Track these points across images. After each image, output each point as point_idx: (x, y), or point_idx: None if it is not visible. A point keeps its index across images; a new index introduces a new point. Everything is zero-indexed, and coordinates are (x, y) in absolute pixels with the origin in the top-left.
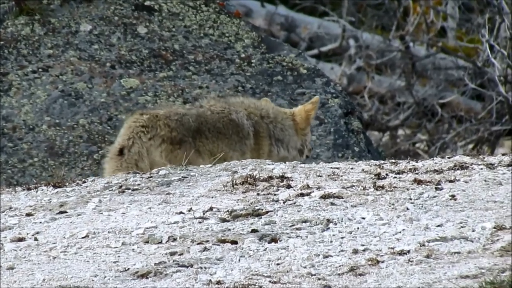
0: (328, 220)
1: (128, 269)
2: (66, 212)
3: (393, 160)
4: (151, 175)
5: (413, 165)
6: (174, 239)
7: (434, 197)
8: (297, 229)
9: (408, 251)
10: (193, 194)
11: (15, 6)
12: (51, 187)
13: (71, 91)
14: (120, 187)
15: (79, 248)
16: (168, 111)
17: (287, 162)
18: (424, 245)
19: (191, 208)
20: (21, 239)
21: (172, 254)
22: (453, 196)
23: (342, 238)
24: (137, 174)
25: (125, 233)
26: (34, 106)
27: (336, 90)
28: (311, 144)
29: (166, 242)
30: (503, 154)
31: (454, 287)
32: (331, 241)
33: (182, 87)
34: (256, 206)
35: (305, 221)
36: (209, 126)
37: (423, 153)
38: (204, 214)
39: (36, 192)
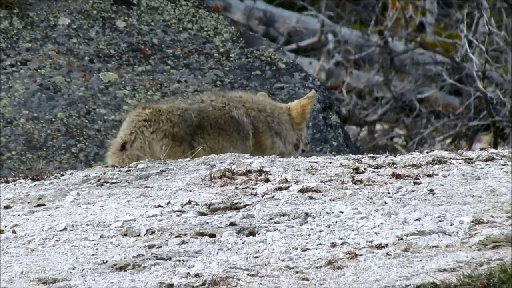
0: (306, 214)
1: (107, 261)
2: (44, 205)
3: (372, 155)
4: (130, 168)
5: (392, 160)
6: (153, 232)
7: (413, 191)
8: (275, 222)
9: (386, 245)
10: (171, 187)
11: None
12: (30, 180)
13: (49, 85)
14: (99, 180)
15: (57, 240)
16: (171, 106)
17: (265, 156)
18: (402, 239)
19: (169, 202)
20: None
21: (150, 247)
22: (431, 190)
23: (320, 231)
24: (115, 168)
25: (104, 226)
26: (12, 99)
27: (314, 84)
28: (307, 138)
29: (144, 235)
30: (481, 149)
31: (432, 280)
32: (309, 235)
33: (160, 81)
34: (234, 199)
35: (283, 215)
36: (211, 122)
37: (401, 148)
38: (182, 207)
39: (15, 185)
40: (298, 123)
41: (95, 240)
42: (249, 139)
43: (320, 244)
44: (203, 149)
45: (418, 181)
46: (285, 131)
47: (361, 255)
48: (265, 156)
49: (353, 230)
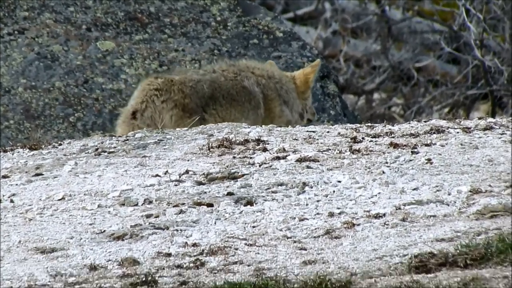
0: (304, 183)
1: (104, 231)
2: (42, 174)
3: (369, 124)
4: (127, 138)
5: (389, 129)
6: (150, 202)
7: (410, 160)
8: (273, 192)
9: (384, 215)
10: (169, 157)
11: None
12: (27, 150)
13: (47, 54)
14: (96, 149)
15: (55, 210)
16: (183, 77)
17: (263, 126)
18: (400, 209)
19: (167, 171)
20: None
21: (148, 216)
22: (429, 159)
23: (318, 201)
24: (113, 137)
25: (101, 196)
26: (10, 68)
27: (312, 53)
28: (313, 108)
29: (142, 205)
30: (479, 118)
31: (429, 250)
32: (306, 204)
33: (157, 50)
34: (232, 169)
35: (281, 184)
36: (223, 92)
37: (399, 117)
38: (180, 177)
39: (12, 154)
40: (302, 92)
41: (92, 209)
42: (261, 108)
43: (317, 213)
44: (214, 120)
45: (416, 150)
46: (292, 100)
47: (358, 224)
48: (262, 126)
49: (350, 200)
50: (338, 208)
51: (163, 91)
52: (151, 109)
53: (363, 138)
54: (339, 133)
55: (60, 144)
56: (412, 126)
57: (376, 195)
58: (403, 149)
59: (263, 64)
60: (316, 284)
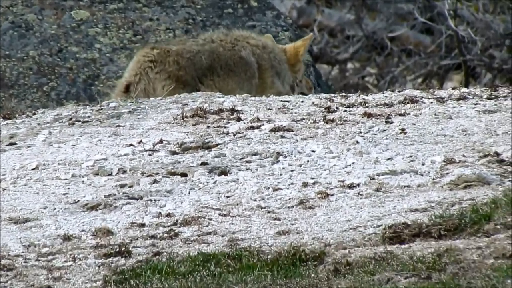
0: (278, 153)
1: (78, 201)
2: (16, 143)
3: (343, 94)
4: (101, 107)
5: (363, 99)
6: (124, 171)
7: (384, 130)
8: (247, 162)
9: (358, 185)
10: (143, 126)
11: None
12: (1, 119)
13: (21, 23)
14: (70, 119)
15: (28, 180)
16: (181, 47)
17: (237, 95)
18: (373, 179)
19: (141, 141)
20: None
21: (122, 186)
22: (403, 129)
23: (292, 171)
24: (87, 106)
25: (75, 165)
26: None
27: (286, 23)
28: (311, 82)
29: (116, 174)
30: (453, 88)
31: (403, 220)
32: (281, 174)
33: (132, 19)
34: (206, 138)
35: (255, 154)
36: (222, 63)
37: (373, 87)
38: (154, 146)
39: None
40: (292, 65)
41: (66, 179)
42: (255, 78)
43: (291, 183)
44: (210, 91)
45: (390, 120)
46: (284, 71)
47: (332, 194)
48: (237, 95)
49: (324, 170)
50: (312, 178)
51: (157, 63)
52: (144, 81)
53: (337, 108)
54: (313, 103)
55: (34, 114)
56: (386, 96)
57: (350, 165)
58: (377, 119)
59: (258, 34)
60: (290, 255)
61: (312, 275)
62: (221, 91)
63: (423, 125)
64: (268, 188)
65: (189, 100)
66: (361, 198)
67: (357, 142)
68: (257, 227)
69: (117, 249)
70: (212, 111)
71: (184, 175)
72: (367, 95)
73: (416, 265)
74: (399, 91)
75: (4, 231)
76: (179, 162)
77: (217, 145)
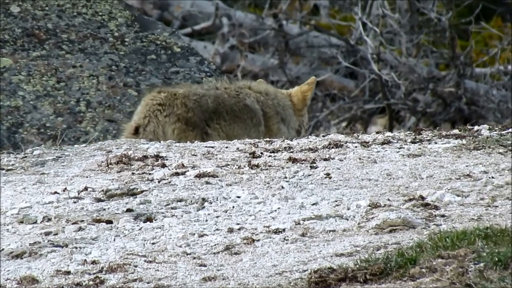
0: (203, 199)
1: (3, 249)
2: None
3: (268, 139)
4: (26, 155)
5: (288, 144)
6: (49, 219)
7: (309, 175)
8: (172, 208)
9: (284, 230)
10: (67, 174)
11: None
12: None
13: None
14: None
15: None
16: (187, 90)
17: (161, 141)
18: (299, 224)
19: (65, 188)
20: None
21: (47, 234)
22: (328, 174)
23: (217, 217)
24: (11, 154)
25: None
26: None
27: (210, 68)
28: (307, 124)
29: (41, 222)
30: (377, 132)
31: (329, 265)
32: (206, 220)
33: (55, 66)
34: (131, 185)
35: (180, 200)
36: (227, 108)
37: None
38: (79, 194)
39: None
40: (299, 110)
41: None
42: (261, 125)
43: (217, 229)
44: (218, 135)
45: (314, 165)
46: (289, 117)
47: (258, 240)
48: (161, 141)
49: (250, 215)
50: (238, 224)
51: (166, 106)
52: (153, 123)
53: (261, 153)
54: (237, 148)
55: None
56: (310, 141)
57: (275, 210)
58: (302, 163)
59: (255, 82)
60: None
61: None
62: (228, 136)
63: (348, 170)
64: (194, 234)
65: (113, 147)
66: (286, 243)
67: (282, 187)
68: (183, 273)
69: None
70: (136, 157)
71: (109, 222)
72: (291, 140)
73: None
74: (323, 136)
75: None
76: (104, 209)
77: (142, 191)
